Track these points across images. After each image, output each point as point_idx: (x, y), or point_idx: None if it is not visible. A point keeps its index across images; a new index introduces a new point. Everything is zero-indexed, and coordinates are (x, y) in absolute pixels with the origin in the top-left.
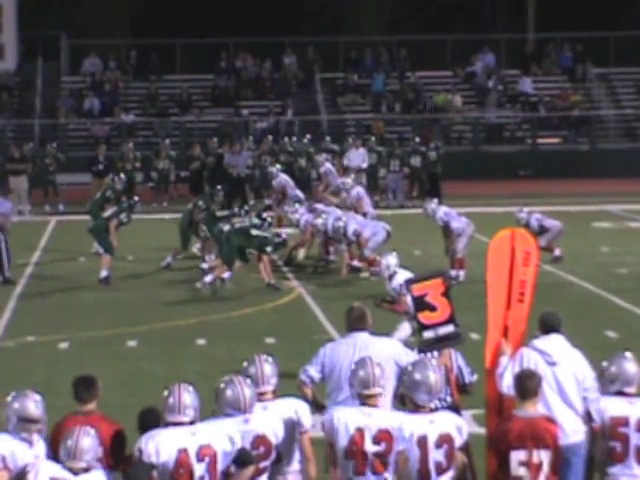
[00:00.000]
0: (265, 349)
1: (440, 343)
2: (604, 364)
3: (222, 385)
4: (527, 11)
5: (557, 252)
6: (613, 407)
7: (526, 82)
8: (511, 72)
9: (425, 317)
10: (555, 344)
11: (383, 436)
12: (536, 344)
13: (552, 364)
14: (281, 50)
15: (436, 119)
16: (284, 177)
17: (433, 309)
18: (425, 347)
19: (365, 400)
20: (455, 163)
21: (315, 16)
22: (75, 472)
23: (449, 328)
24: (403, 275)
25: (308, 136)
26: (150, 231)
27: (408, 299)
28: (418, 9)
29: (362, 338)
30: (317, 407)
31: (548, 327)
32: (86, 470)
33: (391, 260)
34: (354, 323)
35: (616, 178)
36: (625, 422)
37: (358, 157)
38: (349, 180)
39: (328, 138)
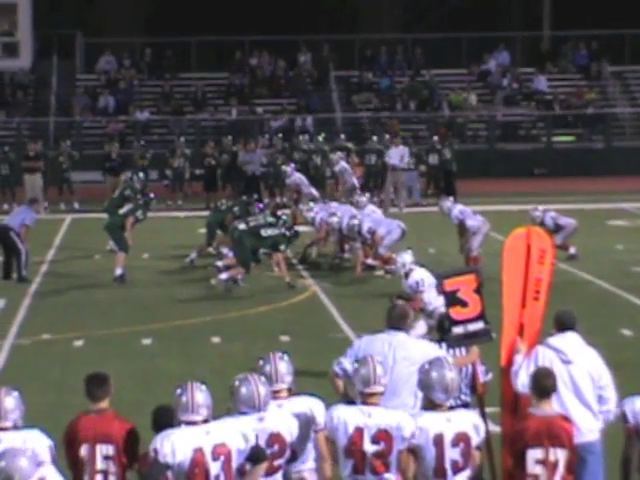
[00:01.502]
0: (280, 347)
1: (469, 340)
2: None
3: (237, 383)
4: (542, 9)
5: (572, 250)
6: None
7: (541, 80)
8: (526, 70)
9: (456, 312)
10: (570, 342)
11: (382, 436)
12: (551, 342)
13: (567, 362)
14: (296, 48)
15: (451, 117)
16: (298, 175)
17: (464, 305)
18: (454, 343)
19: (366, 399)
20: (470, 161)
21: (330, 14)
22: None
23: (479, 325)
24: (419, 273)
25: (323, 134)
26: (165, 229)
27: (424, 296)
28: (433, 7)
29: (399, 338)
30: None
31: (563, 325)
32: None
33: (407, 258)
34: (394, 322)
35: (631, 176)
36: None
37: (396, 155)
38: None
39: (343, 136)
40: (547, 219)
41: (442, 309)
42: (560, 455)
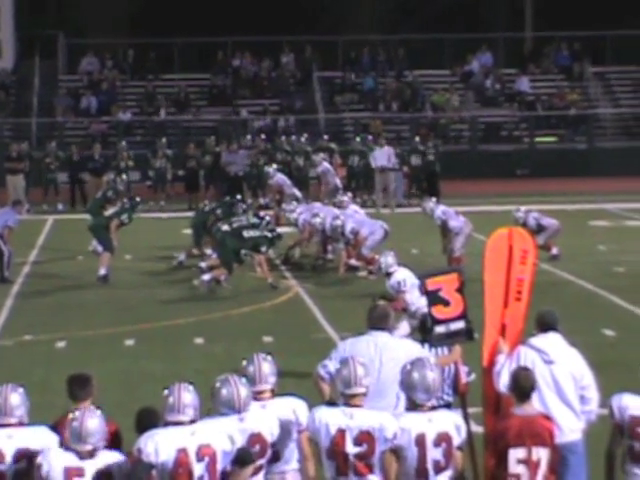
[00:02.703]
0: (263, 348)
1: (451, 339)
2: None
3: (217, 384)
4: (525, 10)
5: (554, 250)
6: (635, 406)
7: (523, 81)
8: (509, 71)
9: (438, 311)
10: (552, 342)
11: (364, 437)
12: (533, 342)
13: (549, 362)
14: (279, 49)
15: (434, 118)
16: (281, 176)
17: (446, 304)
18: (436, 342)
19: (347, 400)
20: (453, 162)
21: (313, 15)
22: (82, 456)
23: (461, 324)
24: (401, 273)
25: (305, 135)
26: (148, 230)
27: (407, 297)
28: (417, 9)
29: (383, 338)
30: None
31: (545, 325)
32: (93, 452)
33: (389, 258)
34: (375, 322)
35: (613, 177)
36: None
37: (383, 156)
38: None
39: (326, 137)
40: (530, 219)
41: (425, 309)
42: (542, 454)
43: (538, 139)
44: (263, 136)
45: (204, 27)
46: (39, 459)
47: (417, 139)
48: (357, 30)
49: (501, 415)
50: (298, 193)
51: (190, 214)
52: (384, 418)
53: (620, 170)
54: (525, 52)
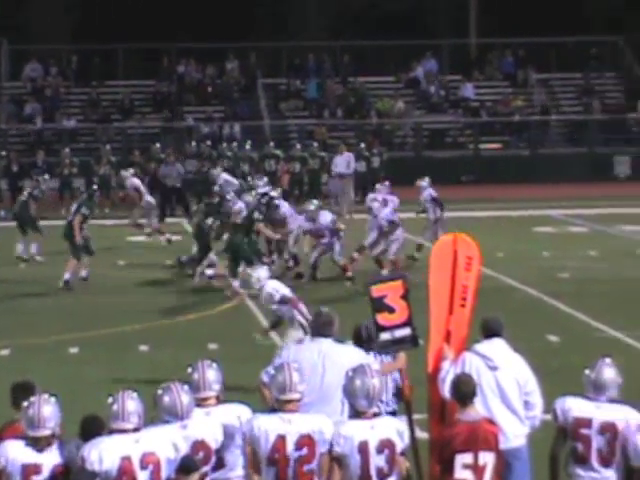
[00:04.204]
0: (208, 355)
1: (396, 346)
2: (586, 371)
3: (160, 392)
4: (469, 17)
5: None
6: (578, 408)
7: (468, 87)
8: (453, 77)
9: (383, 318)
10: (497, 349)
11: (305, 441)
12: (478, 349)
13: (494, 369)
14: (224, 56)
15: (379, 124)
16: (136, 180)
17: (391, 311)
18: (381, 349)
19: (282, 406)
20: (397, 168)
21: (258, 22)
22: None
23: (406, 331)
24: (271, 284)
25: (249, 142)
26: (92, 237)
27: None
28: (362, 16)
29: (326, 344)
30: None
31: (490, 332)
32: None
33: (261, 273)
34: (320, 329)
35: (557, 183)
36: (588, 424)
37: (343, 163)
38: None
39: (272, 143)
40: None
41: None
42: (488, 459)
43: (483, 145)
44: (208, 143)
45: (149, 33)
46: None
47: (362, 145)
48: (302, 37)
49: (447, 422)
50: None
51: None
52: (322, 420)
53: (564, 176)
54: (469, 59)
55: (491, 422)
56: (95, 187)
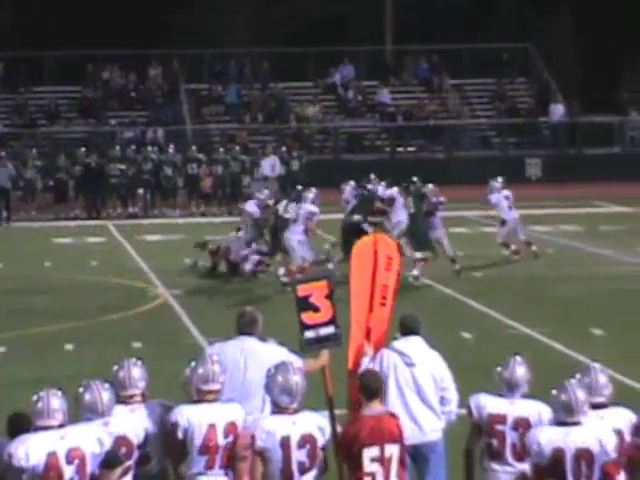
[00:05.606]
0: (132, 353)
1: (320, 344)
2: (498, 368)
3: (81, 390)
4: (385, 25)
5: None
6: (492, 404)
7: (384, 93)
8: (370, 83)
9: (308, 317)
10: (414, 345)
11: (231, 429)
12: (395, 345)
13: (411, 365)
14: (147, 62)
15: (298, 129)
16: None
17: (316, 310)
18: (306, 347)
19: (204, 396)
20: (316, 171)
21: (180, 29)
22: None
23: (330, 329)
24: None
25: (172, 145)
26: (19, 239)
27: None
28: (282, 23)
29: (249, 342)
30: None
31: (407, 329)
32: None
33: None
34: (244, 327)
35: (471, 185)
36: (502, 420)
37: (267, 165)
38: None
39: (194, 147)
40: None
41: None
42: (394, 450)
43: (399, 149)
44: (133, 147)
45: (74, 40)
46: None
47: (283, 149)
48: (223, 44)
49: (351, 419)
50: None
51: (59, 223)
52: (237, 408)
53: (477, 178)
54: (386, 65)
55: (394, 415)
56: None
